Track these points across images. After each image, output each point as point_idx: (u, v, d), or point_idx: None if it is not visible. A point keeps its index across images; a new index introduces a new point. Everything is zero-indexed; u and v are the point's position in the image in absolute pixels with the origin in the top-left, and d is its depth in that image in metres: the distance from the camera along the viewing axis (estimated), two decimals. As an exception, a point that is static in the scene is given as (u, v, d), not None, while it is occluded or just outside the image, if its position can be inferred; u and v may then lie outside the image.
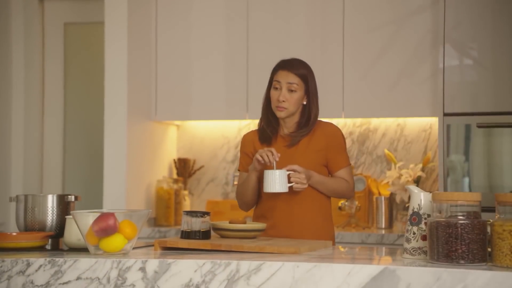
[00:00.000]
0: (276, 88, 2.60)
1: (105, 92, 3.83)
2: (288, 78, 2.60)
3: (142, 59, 3.96)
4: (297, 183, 2.46)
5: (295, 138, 2.60)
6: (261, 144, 2.65)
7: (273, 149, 2.48)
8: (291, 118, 2.63)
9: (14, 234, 2.26)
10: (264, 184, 2.38)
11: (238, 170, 2.74)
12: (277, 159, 2.46)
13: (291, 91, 2.59)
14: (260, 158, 2.48)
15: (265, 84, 3.87)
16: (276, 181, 2.37)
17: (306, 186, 2.49)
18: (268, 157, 2.46)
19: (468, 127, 3.33)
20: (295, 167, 2.47)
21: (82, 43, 4.41)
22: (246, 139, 2.72)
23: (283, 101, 2.58)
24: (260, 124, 2.70)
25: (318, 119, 2.67)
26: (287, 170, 2.45)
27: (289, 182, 2.44)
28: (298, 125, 2.63)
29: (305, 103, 2.64)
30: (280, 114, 2.60)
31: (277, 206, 2.58)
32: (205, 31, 3.97)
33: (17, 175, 4.19)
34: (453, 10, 3.34)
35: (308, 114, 2.63)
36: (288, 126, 2.65)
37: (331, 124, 2.68)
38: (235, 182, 3.91)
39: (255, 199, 2.65)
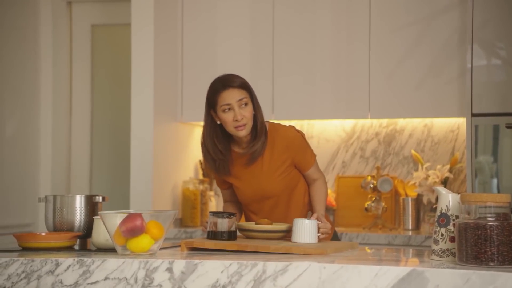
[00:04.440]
0: (226, 110, 2.43)
1: (132, 93, 3.86)
2: (235, 96, 2.43)
3: (168, 60, 3.98)
4: (323, 233, 2.38)
5: (256, 154, 2.50)
6: (221, 177, 2.56)
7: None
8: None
9: (43, 234, 2.28)
10: (293, 232, 2.29)
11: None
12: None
13: (244, 105, 2.44)
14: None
15: (290, 85, 3.90)
16: (305, 232, 2.29)
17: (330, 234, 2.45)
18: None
19: (496, 128, 3.29)
20: (316, 216, 2.39)
21: (109, 45, 4.45)
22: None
23: (242, 119, 2.43)
24: (207, 161, 2.53)
25: (270, 121, 2.57)
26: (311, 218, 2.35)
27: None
28: (251, 136, 2.50)
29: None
30: (241, 133, 2.45)
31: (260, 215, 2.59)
32: (230, 32, 3.98)
33: (46, 176, 4.24)
34: (481, 9, 3.30)
35: (255, 121, 2.48)
36: (242, 142, 2.51)
37: (289, 129, 2.55)
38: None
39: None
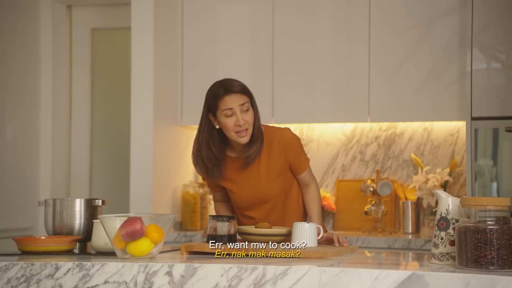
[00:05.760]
0: (229, 116, 2.42)
1: (132, 97, 3.86)
2: (238, 101, 2.41)
3: (168, 64, 3.99)
4: (343, 242, 2.36)
5: (250, 158, 2.48)
6: (213, 181, 2.54)
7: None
8: None
9: (43, 238, 2.28)
10: (292, 236, 2.29)
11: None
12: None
13: (245, 110, 2.43)
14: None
15: (290, 88, 3.90)
16: (305, 235, 2.28)
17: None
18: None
19: (496, 131, 3.29)
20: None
21: (109, 49, 4.46)
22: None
23: (244, 124, 2.42)
24: (199, 165, 2.51)
25: (265, 124, 2.56)
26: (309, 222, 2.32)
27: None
28: (248, 141, 2.47)
29: None
30: (243, 139, 2.43)
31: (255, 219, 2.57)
32: (230, 35, 3.98)
33: (46, 180, 4.23)
34: (481, 12, 3.30)
35: (253, 126, 2.46)
36: (237, 146, 2.49)
37: (285, 130, 2.54)
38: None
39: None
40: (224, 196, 2.67)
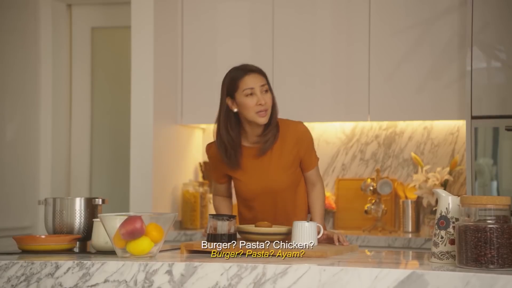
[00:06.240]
0: (249, 95, 2.45)
1: (132, 96, 3.86)
2: (258, 81, 2.47)
3: (168, 63, 3.99)
4: (344, 242, 2.36)
5: (267, 145, 2.50)
6: (231, 169, 2.55)
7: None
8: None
9: (43, 236, 2.28)
10: (292, 235, 2.29)
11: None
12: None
13: (265, 92, 2.47)
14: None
15: (290, 87, 3.89)
16: (305, 235, 2.28)
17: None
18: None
19: (496, 130, 3.29)
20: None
21: (109, 48, 4.46)
22: (211, 156, 2.60)
23: (265, 103, 2.45)
24: (220, 149, 2.52)
25: (280, 117, 2.58)
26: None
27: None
28: (264, 128, 2.50)
29: None
30: (263, 120, 2.46)
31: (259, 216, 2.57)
32: (230, 34, 3.98)
33: (46, 179, 4.23)
34: (481, 12, 3.30)
35: (272, 112, 2.49)
36: (253, 134, 2.52)
37: (299, 123, 2.57)
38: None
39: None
40: (226, 191, 2.67)
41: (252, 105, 2.45)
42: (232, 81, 2.49)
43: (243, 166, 2.54)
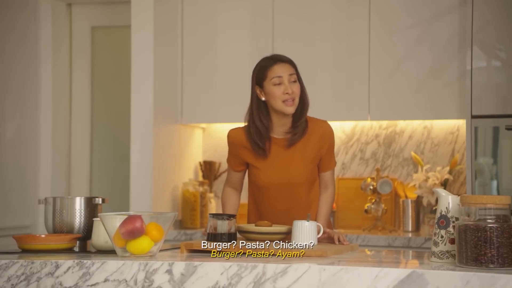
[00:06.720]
0: (277, 84, 2.47)
1: (132, 95, 3.86)
2: (287, 70, 2.48)
3: (168, 62, 3.99)
4: (344, 241, 2.37)
5: (295, 138, 2.52)
6: (255, 157, 2.54)
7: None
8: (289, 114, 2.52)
9: (43, 236, 2.28)
10: (292, 234, 2.29)
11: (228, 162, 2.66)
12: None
13: (293, 82, 2.49)
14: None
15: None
16: (305, 234, 2.28)
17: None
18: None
19: (496, 129, 3.29)
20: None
21: (109, 47, 4.45)
22: (233, 142, 2.59)
23: (292, 92, 2.46)
24: (255, 134, 2.53)
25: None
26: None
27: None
28: (293, 119, 2.52)
29: None
30: (290, 109, 2.47)
31: (275, 211, 2.56)
32: (230, 34, 3.98)
33: (46, 178, 4.23)
34: (481, 11, 3.30)
35: (302, 104, 2.51)
36: (280, 124, 2.52)
37: (325, 122, 2.58)
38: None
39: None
40: (238, 181, 2.65)
41: (279, 93, 2.46)
42: (261, 70, 2.51)
43: (268, 155, 2.54)
